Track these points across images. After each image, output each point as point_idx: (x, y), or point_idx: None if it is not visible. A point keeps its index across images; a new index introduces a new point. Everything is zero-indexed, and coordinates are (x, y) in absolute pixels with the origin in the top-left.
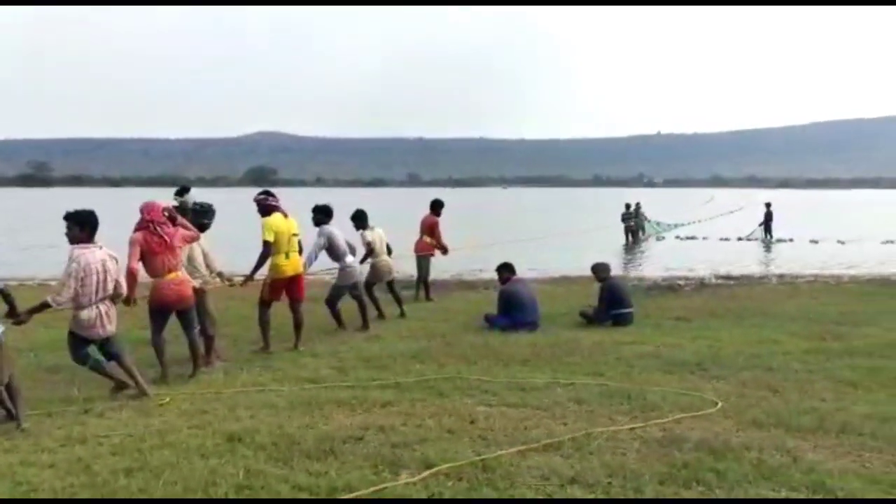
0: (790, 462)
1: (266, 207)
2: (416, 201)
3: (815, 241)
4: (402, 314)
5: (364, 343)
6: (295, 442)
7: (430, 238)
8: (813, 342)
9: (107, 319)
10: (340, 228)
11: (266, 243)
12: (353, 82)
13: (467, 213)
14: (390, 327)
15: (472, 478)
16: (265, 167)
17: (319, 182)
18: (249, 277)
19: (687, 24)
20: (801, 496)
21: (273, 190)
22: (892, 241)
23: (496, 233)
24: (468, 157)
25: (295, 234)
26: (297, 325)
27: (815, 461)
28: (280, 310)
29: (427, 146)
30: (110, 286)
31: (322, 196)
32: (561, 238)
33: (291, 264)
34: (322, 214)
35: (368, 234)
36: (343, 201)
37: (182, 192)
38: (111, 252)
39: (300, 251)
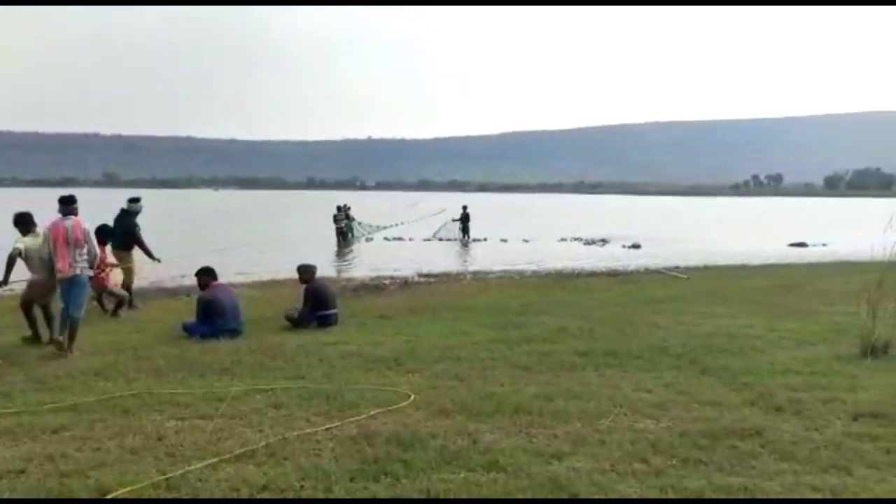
0: (470, 445)
1: None
2: (115, 203)
3: (504, 240)
4: (52, 338)
5: (37, 362)
6: None
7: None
8: (497, 332)
9: None
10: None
11: None
12: (34, 71)
13: (174, 215)
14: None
15: (155, 499)
16: None
17: None
18: None
19: (392, 32)
20: (478, 475)
21: None
22: (565, 239)
23: (206, 237)
24: (174, 157)
25: None
26: None
27: (491, 441)
28: None
29: (127, 143)
30: None
31: None
32: (273, 241)
33: None
34: None
35: (21, 244)
36: (26, 200)
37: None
38: None
39: None
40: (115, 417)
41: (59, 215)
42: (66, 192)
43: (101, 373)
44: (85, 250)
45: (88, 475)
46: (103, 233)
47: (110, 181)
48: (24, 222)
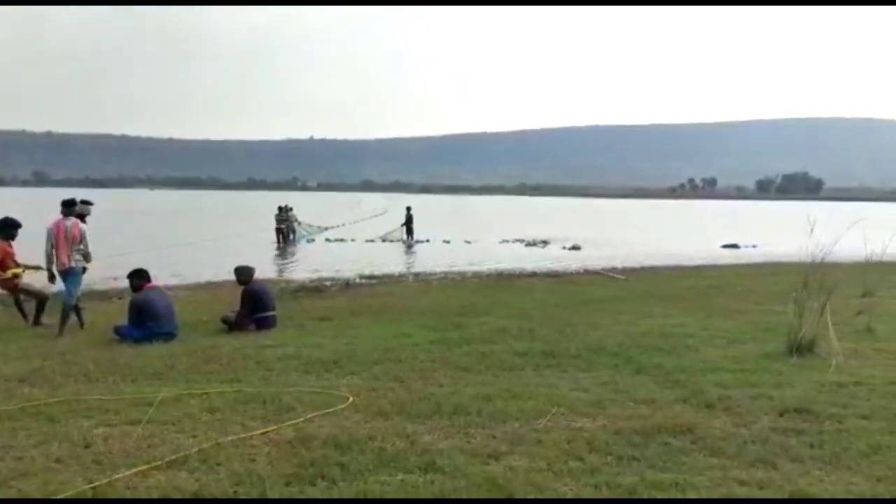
0: (408, 446)
1: None
2: (44, 203)
3: (447, 242)
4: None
5: None
6: None
7: (5, 270)
8: (438, 333)
9: None
10: None
11: None
12: None
13: (106, 215)
14: None
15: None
16: None
17: None
18: None
19: (333, 32)
20: (415, 476)
21: None
22: (507, 241)
23: (140, 237)
24: (108, 155)
25: None
26: None
27: (429, 443)
28: None
29: (57, 141)
30: None
31: None
32: (210, 242)
33: None
34: None
35: None
36: None
37: (86, 202)
38: None
39: None
40: (39, 425)
41: (61, 216)
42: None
43: (25, 379)
44: (80, 246)
45: (10, 485)
46: (10, 226)
47: (40, 180)
48: None
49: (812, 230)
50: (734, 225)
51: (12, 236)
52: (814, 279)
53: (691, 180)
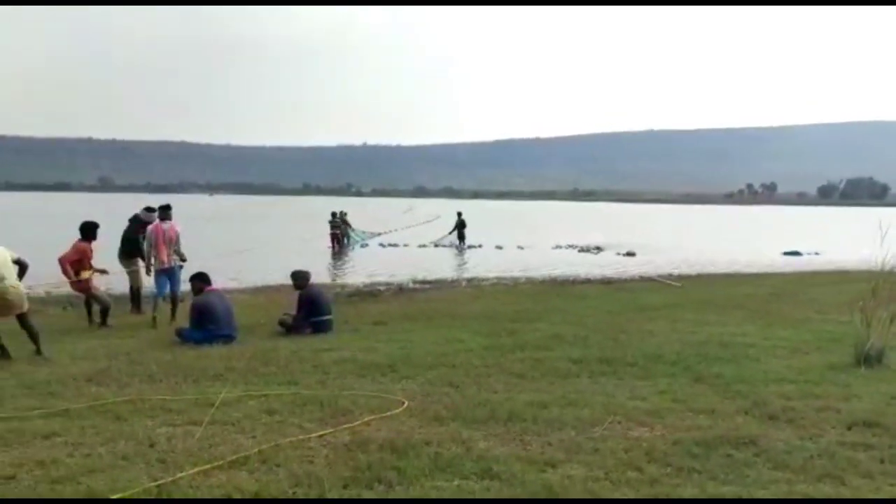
0: (464, 452)
1: None
2: (110, 207)
3: (499, 247)
4: (38, 352)
5: (28, 367)
6: None
7: (80, 272)
8: (491, 339)
9: None
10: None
11: None
12: (23, 76)
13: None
14: (64, 348)
15: (153, 499)
16: None
17: None
18: None
19: (386, 38)
20: (471, 482)
21: None
22: (560, 247)
23: (200, 241)
24: (169, 162)
25: None
26: None
27: (485, 449)
28: None
29: (121, 148)
30: None
31: None
32: (267, 246)
33: None
34: None
35: None
36: (18, 207)
37: (150, 210)
38: None
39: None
40: (106, 423)
41: (158, 220)
42: (163, 200)
43: (93, 378)
44: (176, 246)
45: (80, 481)
46: (93, 227)
47: (104, 186)
48: None
49: (884, 237)
50: (796, 231)
51: (95, 237)
52: (883, 287)
53: (750, 185)
